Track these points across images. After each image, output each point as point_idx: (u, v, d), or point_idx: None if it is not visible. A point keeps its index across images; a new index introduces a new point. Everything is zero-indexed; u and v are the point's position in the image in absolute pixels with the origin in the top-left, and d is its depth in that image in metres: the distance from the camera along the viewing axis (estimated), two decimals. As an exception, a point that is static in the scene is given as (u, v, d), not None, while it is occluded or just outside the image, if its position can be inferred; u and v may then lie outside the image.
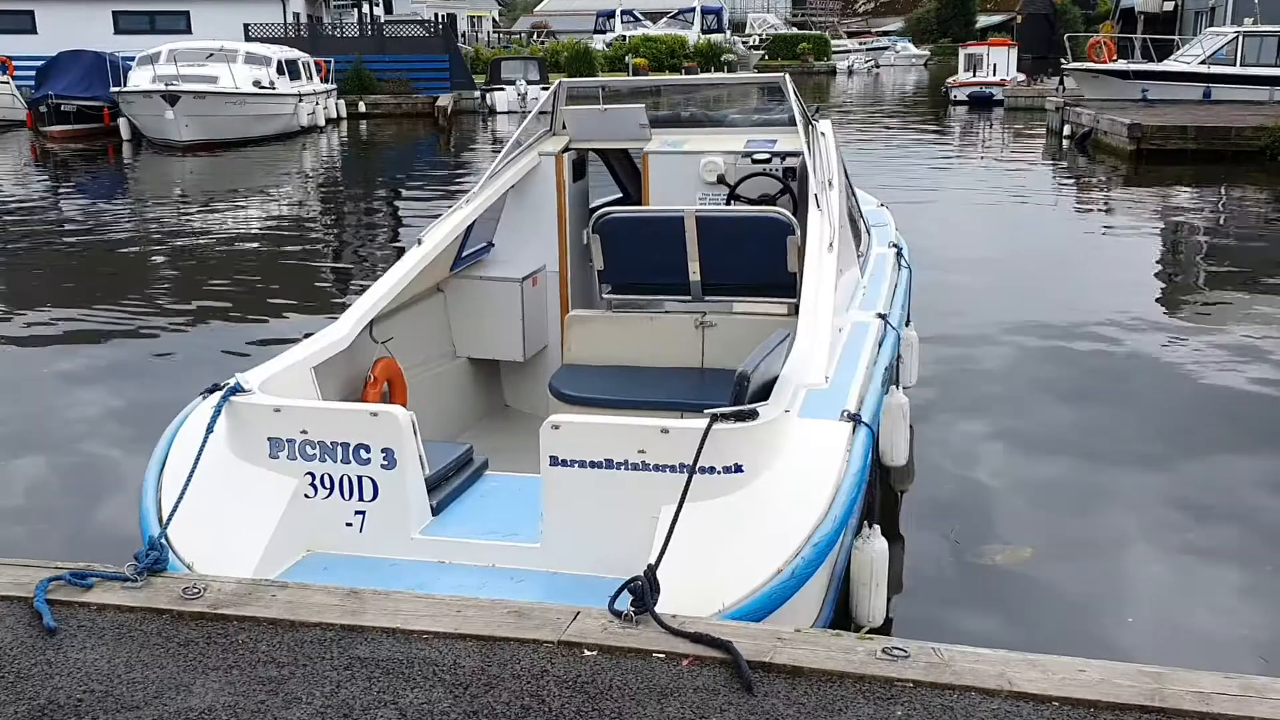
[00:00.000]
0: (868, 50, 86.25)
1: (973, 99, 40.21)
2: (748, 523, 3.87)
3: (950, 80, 44.10)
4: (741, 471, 3.94)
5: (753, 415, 3.97)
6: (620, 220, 6.07)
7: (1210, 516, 5.93)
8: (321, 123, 31.70)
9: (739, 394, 4.08)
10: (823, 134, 6.78)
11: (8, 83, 32.78)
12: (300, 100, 29.44)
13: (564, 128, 7.15)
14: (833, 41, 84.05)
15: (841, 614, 4.36)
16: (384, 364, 5.73)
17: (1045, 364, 8.82)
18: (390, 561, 4.21)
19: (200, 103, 25.47)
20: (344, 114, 35.49)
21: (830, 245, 5.58)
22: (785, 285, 5.79)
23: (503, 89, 37.87)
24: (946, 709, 3.01)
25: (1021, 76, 41.35)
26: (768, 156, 6.76)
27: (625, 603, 3.45)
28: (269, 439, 4.28)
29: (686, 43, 64.22)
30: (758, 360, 4.24)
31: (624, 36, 65.64)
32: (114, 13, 38.64)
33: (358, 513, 4.25)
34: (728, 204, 6.82)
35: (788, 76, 6.80)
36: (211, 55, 27.64)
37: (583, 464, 4.01)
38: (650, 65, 54.85)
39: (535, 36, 74.90)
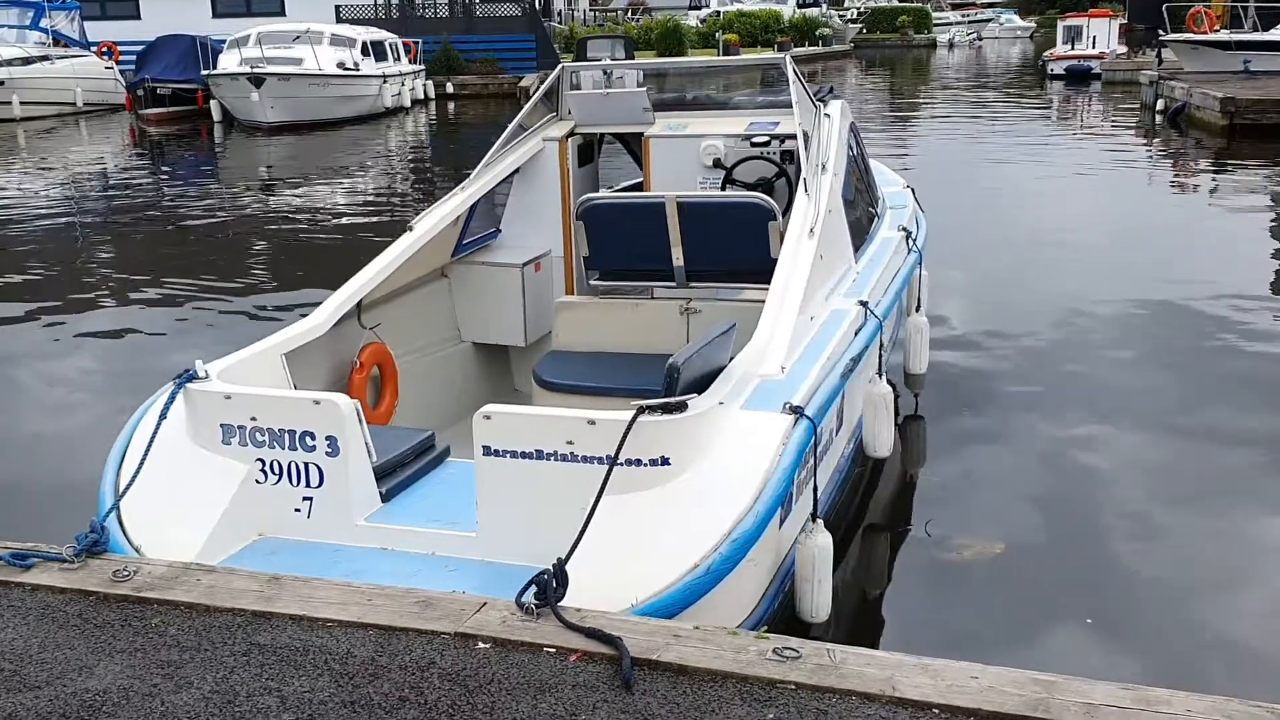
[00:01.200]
0: (970, 22, 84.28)
1: (1070, 73, 38.97)
2: (672, 517, 3.85)
3: (1048, 53, 42.81)
4: (669, 465, 3.91)
5: (681, 408, 3.93)
6: (604, 206, 6.04)
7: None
8: (407, 104, 32.13)
9: (669, 386, 4.04)
10: (828, 115, 6.65)
11: (111, 68, 33.93)
12: (385, 81, 29.87)
13: (570, 113, 7.14)
14: (934, 14, 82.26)
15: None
16: (372, 349, 5.80)
17: (1108, 343, 8.59)
18: (335, 547, 4.29)
19: (285, 84, 26.03)
20: (432, 95, 35.89)
21: (812, 231, 5.48)
22: (769, 271, 5.70)
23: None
24: (821, 713, 2.96)
25: (1122, 49, 39.90)
26: (766, 140, 6.66)
27: (531, 595, 3.46)
28: (221, 425, 4.38)
29: (781, 17, 63.48)
30: (691, 351, 4.19)
31: (718, 12, 65.19)
32: (212, -3, 39.83)
33: (305, 499, 4.33)
34: (723, 188, 6.74)
35: (789, 57, 6.68)
36: (298, 38, 28.21)
37: (514, 454, 4.02)
38: (742, 41, 54.31)
39: (630, 14, 74.81)
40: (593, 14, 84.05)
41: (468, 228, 6.72)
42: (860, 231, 6.51)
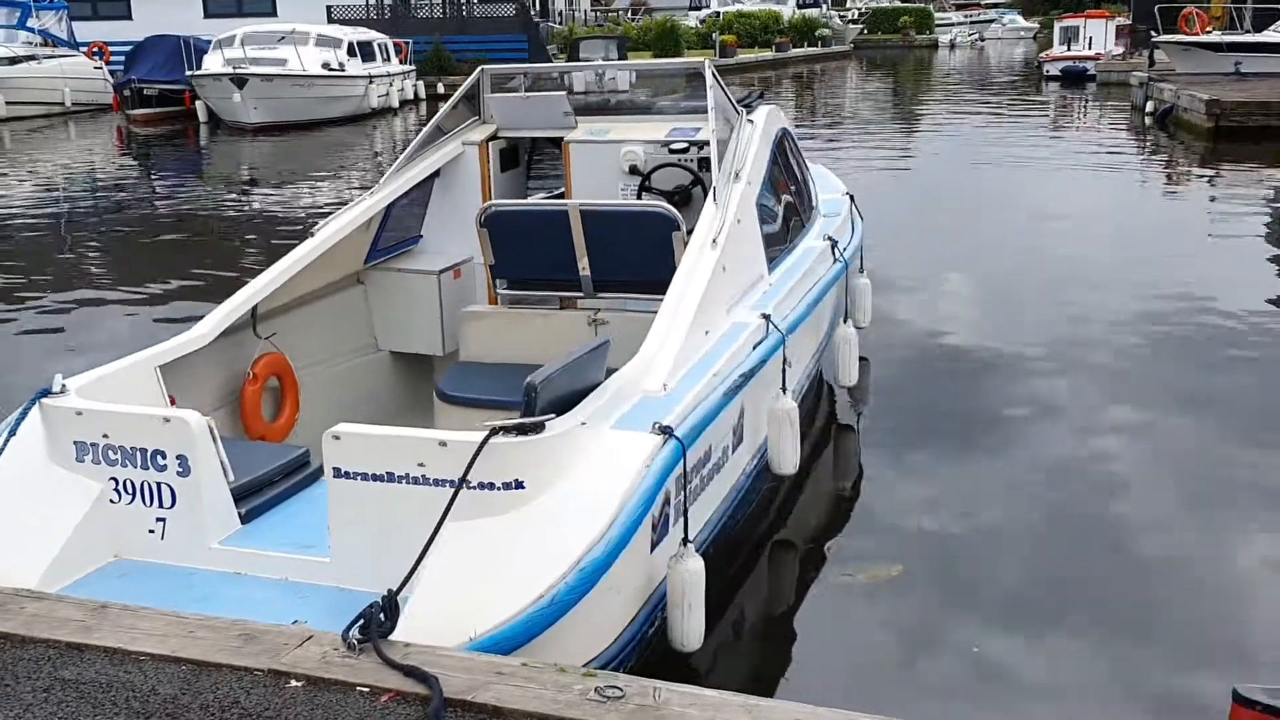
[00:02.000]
0: (972, 23, 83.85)
1: (1065, 74, 38.68)
2: (524, 543, 3.68)
3: (1044, 54, 42.54)
4: (523, 488, 3.73)
5: (538, 428, 3.76)
6: (507, 214, 5.87)
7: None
8: (395, 104, 31.96)
9: (527, 405, 3.86)
10: (750, 122, 6.47)
11: (101, 68, 33.83)
12: (371, 82, 29.69)
13: (492, 116, 6.97)
14: (937, 15, 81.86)
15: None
16: (268, 360, 5.64)
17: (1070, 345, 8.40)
18: (189, 570, 4.12)
19: (268, 85, 25.87)
20: (423, 95, 35.71)
21: (715, 242, 5.31)
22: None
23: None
24: (627, 760, 2.78)
25: (1118, 50, 39.62)
26: (685, 146, 6.48)
27: (357, 630, 3.30)
28: (74, 443, 4.22)
29: (781, 18, 63.16)
30: (553, 369, 4.02)
31: (718, 13, 64.88)
32: (203, -2, 39.71)
33: (159, 519, 4.17)
34: (639, 196, 6.56)
35: (708, 62, 6.50)
36: (283, 38, 28.05)
37: (365, 476, 3.86)
38: (740, 42, 54.09)
39: (631, 14, 74.52)
40: (594, 14, 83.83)
41: (383, 233, 6.55)
42: (778, 241, 6.33)
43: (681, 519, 4.11)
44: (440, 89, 36.60)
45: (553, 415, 3.82)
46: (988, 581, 5.08)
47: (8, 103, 29.93)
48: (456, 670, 3.16)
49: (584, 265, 5.76)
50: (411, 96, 34.71)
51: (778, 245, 6.29)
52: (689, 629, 4.09)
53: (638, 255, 5.43)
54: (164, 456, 4.12)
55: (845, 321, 6.75)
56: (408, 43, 36.17)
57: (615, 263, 5.63)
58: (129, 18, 39.15)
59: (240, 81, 25.52)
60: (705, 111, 6.53)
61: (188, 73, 27.52)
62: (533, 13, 60.55)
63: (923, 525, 5.66)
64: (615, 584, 3.85)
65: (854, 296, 8.12)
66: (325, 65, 28.08)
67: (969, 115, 29.40)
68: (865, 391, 7.54)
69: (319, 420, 5.76)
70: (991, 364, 8.27)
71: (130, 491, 4.17)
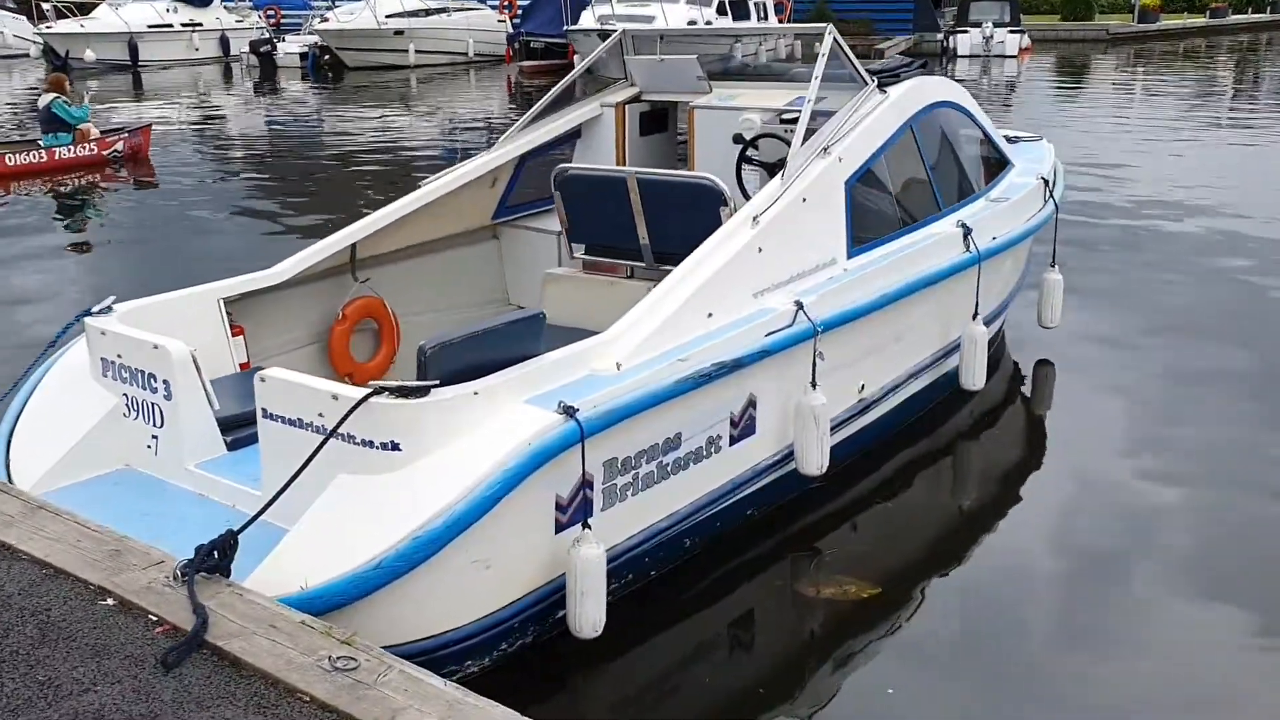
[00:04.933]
0: None
1: None
2: (386, 505, 3.74)
3: None
4: (399, 450, 3.78)
5: (422, 393, 3.77)
6: (577, 178, 5.81)
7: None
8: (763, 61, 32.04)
9: (419, 369, 3.88)
10: (882, 93, 5.99)
11: (504, 21, 36.47)
12: (738, 40, 29.86)
13: (632, 79, 6.91)
14: None
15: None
16: (361, 303, 5.96)
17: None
18: (168, 486, 4.51)
19: (691, 42, 26.65)
20: (798, 55, 35.52)
21: (755, 220, 5.00)
22: None
23: (966, 31, 36.04)
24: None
25: None
26: (796, 116, 6.08)
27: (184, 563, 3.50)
28: (101, 359, 4.71)
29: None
30: (457, 335, 4.00)
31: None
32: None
33: (154, 437, 4.59)
34: (738, 166, 6.25)
35: (832, 27, 6.05)
36: (660, -7, 28.92)
37: (284, 420, 4.04)
38: (1166, 5, 49.24)
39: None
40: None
41: (513, 189, 6.69)
42: (886, 224, 5.82)
43: (602, 503, 4.00)
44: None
45: (438, 382, 3.81)
46: (956, 623, 4.50)
47: (417, 51, 32.99)
48: (239, 616, 3.29)
49: (643, 234, 5.62)
50: (784, 56, 34.61)
51: (886, 228, 5.80)
52: (583, 617, 3.97)
53: (690, 227, 5.21)
54: (156, 380, 4.52)
55: (975, 319, 6.10)
56: (790, 1, 36.06)
57: (671, 233, 5.44)
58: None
59: (605, 37, 26.53)
60: (837, 80, 6.12)
61: (564, 28, 29.04)
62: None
63: (938, 547, 5.08)
64: (485, 558, 3.82)
65: (1042, 292, 7.35)
66: (691, 22, 28.60)
67: None
68: (992, 401, 6.79)
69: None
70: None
71: (136, 408, 4.62)
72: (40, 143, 15.20)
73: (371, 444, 3.80)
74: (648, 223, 5.59)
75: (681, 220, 5.34)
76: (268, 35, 35.58)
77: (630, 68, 6.94)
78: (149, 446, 4.62)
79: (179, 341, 4.51)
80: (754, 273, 4.96)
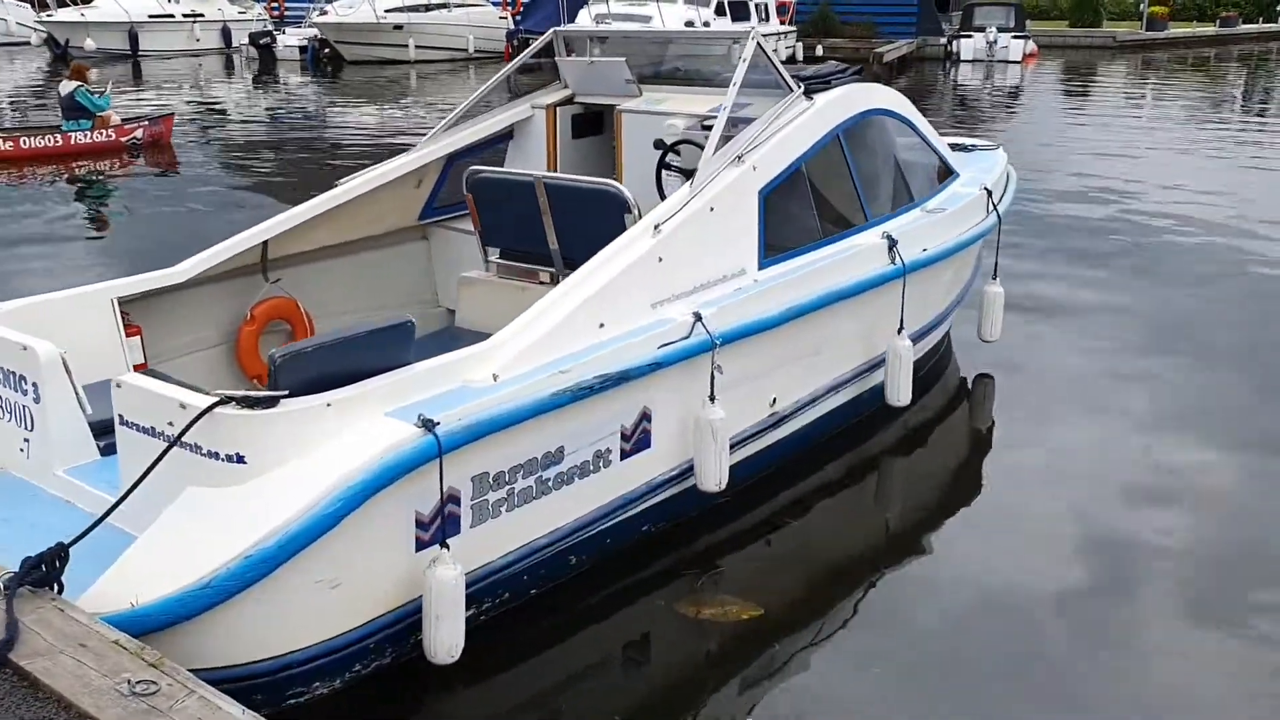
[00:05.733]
0: None
1: None
2: (228, 520, 3.62)
3: None
4: (244, 463, 3.66)
5: (270, 403, 3.65)
6: (488, 181, 5.68)
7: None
8: (762, 64, 31.87)
9: (271, 379, 3.75)
10: (808, 101, 5.84)
11: (505, 18, 36.34)
12: (735, 42, 29.67)
13: (565, 81, 6.78)
14: None
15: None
16: (272, 304, 5.84)
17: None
18: (37, 491, 4.39)
19: (625, 43, 26.56)
20: (799, 57, 35.39)
21: (657, 228, 4.87)
22: None
23: (970, 36, 35.80)
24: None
25: None
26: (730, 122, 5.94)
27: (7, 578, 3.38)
28: None
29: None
30: (302, 345, 3.87)
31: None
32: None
33: (25, 440, 4.47)
34: (658, 173, 6.12)
35: (754, 33, 5.90)
36: (656, -6, 28.77)
37: (138, 427, 3.92)
38: (1174, 12, 48.88)
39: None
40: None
41: (441, 190, 6.56)
42: (805, 235, 5.67)
43: (471, 520, 3.88)
44: (819, 51, 36.15)
45: (287, 392, 3.68)
46: (835, 652, 4.36)
47: (417, 46, 32.89)
48: (53, 634, 3.18)
49: (553, 240, 5.49)
50: (785, 58, 34.48)
51: (805, 238, 5.65)
52: (437, 641, 3.83)
53: (596, 234, 5.07)
54: (25, 382, 4.40)
55: (899, 333, 5.94)
56: (793, 2, 35.89)
57: (579, 240, 5.30)
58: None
59: (601, 39, 26.42)
60: (763, 85, 5.98)
61: (559, 26, 28.94)
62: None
63: (820, 574, 4.94)
64: (331, 577, 3.70)
65: (982, 305, 7.19)
66: (688, 23, 28.45)
67: None
68: (923, 417, 6.64)
69: None
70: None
71: (9, 411, 4.50)
72: (62, 127, 15.37)
73: (217, 455, 3.68)
74: (556, 228, 5.46)
75: (588, 227, 5.20)
76: (268, 27, 35.51)
77: (562, 69, 6.82)
78: (21, 450, 4.51)
79: (48, 343, 4.38)
80: (653, 282, 4.83)
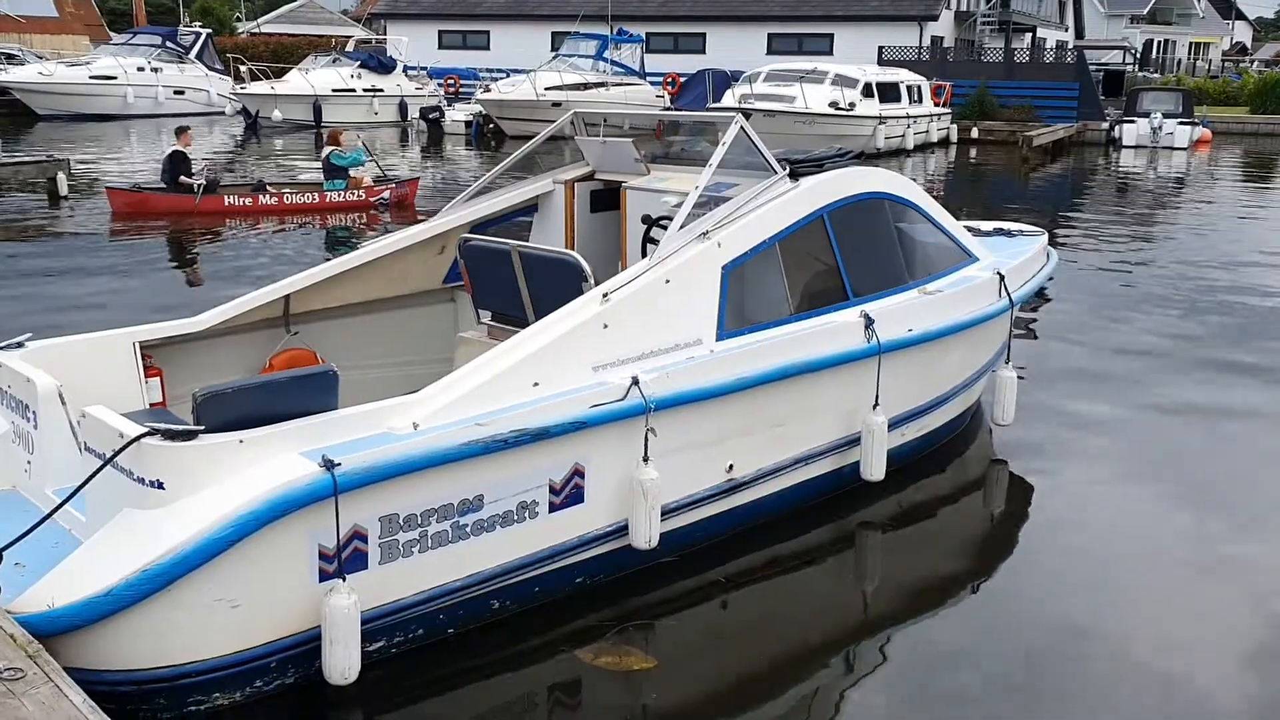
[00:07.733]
0: None
1: None
2: (145, 538, 4.07)
3: None
4: (163, 489, 4.11)
5: (188, 437, 4.09)
6: (476, 248, 6.08)
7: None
8: (910, 146, 31.80)
9: (195, 414, 4.20)
10: (792, 182, 6.07)
11: (662, 96, 37.44)
12: (881, 123, 29.86)
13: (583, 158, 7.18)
14: None
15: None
16: (292, 354, 6.37)
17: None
18: (31, 508, 4.95)
19: (769, 120, 27.05)
20: (954, 139, 35.24)
21: (606, 296, 5.17)
22: None
23: (1134, 121, 34.89)
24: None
25: None
26: (705, 200, 6.20)
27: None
28: (1, 389, 5.22)
29: None
30: (223, 386, 4.31)
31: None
32: (769, 35, 42.41)
33: (29, 462, 5.05)
34: (643, 247, 6.41)
35: (740, 116, 6.17)
36: (803, 76, 29.18)
37: (94, 453, 4.43)
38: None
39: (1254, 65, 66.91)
40: (1221, 62, 76.52)
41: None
42: (773, 310, 5.86)
43: (380, 557, 4.29)
44: (974, 133, 35.90)
45: (203, 428, 4.12)
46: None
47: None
48: (-35, 625, 3.63)
49: (528, 304, 5.85)
50: (936, 140, 34.36)
51: (772, 314, 5.84)
52: (332, 663, 4.18)
53: (560, 299, 5.41)
54: (28, 410, 4.99)
55: (874, 409, 6.03)
56: (947, 85, 35.81)
57: (548, 304, 5.64)
58: (702, 51, 42.86)
59: (745, 115, 26.97)
60: (755, 167, 6.24)
61: (708, 105, 29.66)
62: (1134, 59, 56.71)
63: (731, 639, 5.03)
64: (230, 597, 4.08)
65: (995, 389, 7.17)
66: (833, 104, 28.77)
67: None
68: (913, 498, 6.61)
69: None
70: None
71: (19, 436, 5.10)
72: (324, 186, 17.57)
73: (144, 481, 4.15)
74: (530, 293, 5.83)
75: (554, 293, 5.55)
76: (437, 103, 37.47)
77: (580, 147, 7.22)
78: (25, 470, 5.09)
79: (48, 376, 4.98)
80: (595, 347, 5.12)
